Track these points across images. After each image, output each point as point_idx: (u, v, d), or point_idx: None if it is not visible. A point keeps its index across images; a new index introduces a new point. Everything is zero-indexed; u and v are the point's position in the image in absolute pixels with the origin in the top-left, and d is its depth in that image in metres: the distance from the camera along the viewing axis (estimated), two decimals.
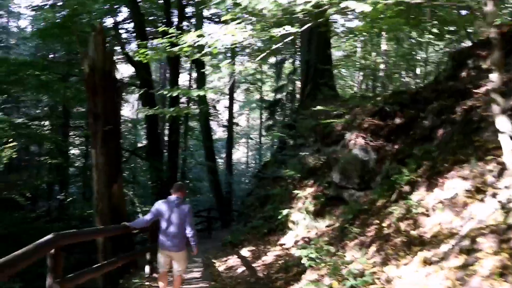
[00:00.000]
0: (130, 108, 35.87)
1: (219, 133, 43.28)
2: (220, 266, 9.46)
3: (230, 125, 31.01)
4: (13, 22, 36.41)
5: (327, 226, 9.02)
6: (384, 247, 5.34)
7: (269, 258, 8.94)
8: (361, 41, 22.23)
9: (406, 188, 6.74)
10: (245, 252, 10.25)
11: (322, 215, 9.29)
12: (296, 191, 10.21)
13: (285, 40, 5.70)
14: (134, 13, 15.66)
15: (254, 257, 9.50)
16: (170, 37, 4.91)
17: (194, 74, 28.84)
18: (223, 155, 40.54)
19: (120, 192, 10.13)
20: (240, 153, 52.23)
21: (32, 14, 24.96)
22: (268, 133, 34.26)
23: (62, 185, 23.57)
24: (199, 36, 4.66)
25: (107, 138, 9.72)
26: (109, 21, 19.62)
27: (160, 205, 5.82)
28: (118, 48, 18.69)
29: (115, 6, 18.24)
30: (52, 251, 3.57)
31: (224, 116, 35.73)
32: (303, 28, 5.53)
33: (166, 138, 21.57)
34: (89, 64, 9.55)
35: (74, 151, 28.86)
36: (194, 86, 25.72)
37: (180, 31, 5.08)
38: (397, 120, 8.84)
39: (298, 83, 24.47)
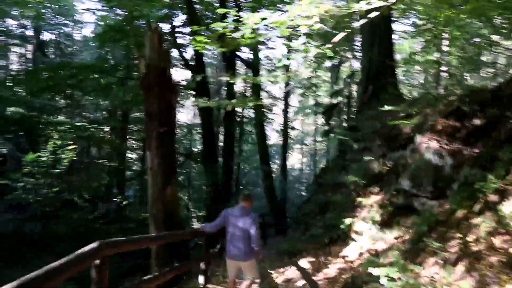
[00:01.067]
0: (186, 112, 36.21)
1: (273, 138, 42.85)
2: (278, 277, 8.87)
3: (285, 130, 30.45)
4: (77, 31, 37.87)
5: (395, 238, 8.20)
6: (477, 267, 4.53)
7: (331, 271, 8.24)
8: (424, 41, 21.07)
9: (493, 198, 5.87)
10: (304, 263, 9.59)
11: (389, 225, 8.47)
12: (360, 199, 9.45)
13: (359, 23, 5.02)
14: (191, 16, 15.50)
15: (314, 269, 8.83)
16: (232, 20, 4.39)
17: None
18: (277, 161, 40.11)
19: (174, 196, 9.82)
20: (293, 159, 51.54)
21: (94, 20, 25.78)
22: (325, 138, 33.46)
23: (119, 187, 23.98)
24: (263, 19, 4.13)
25: (162, 139, 9.44)
26: (166, 27, 19.74)
27: (228, 212, 5.92)
28: (175, 55, 18.75)
29: (172, 11, 18.32)
30: (97, 261, 3.10)
31: (279, 121, 35.29)
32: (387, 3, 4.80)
33: (220, 144, 21.42)
34: (145, 63, 9.35)
35: (131, 155, 29.46)
36: (249, 90, 25.33)
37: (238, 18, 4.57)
38: (477, 121, 7.91)
39: (355, 87, 23.61)
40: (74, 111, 22.12)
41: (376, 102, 13.14)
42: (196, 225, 21.55)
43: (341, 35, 5.16)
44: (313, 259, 9.55)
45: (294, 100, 44.03)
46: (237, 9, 4.69)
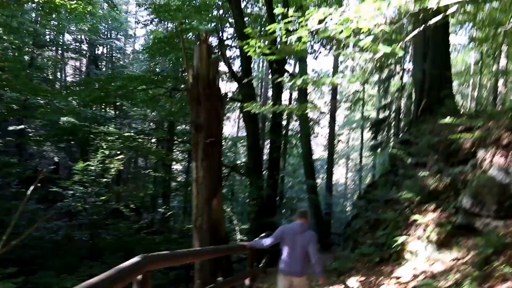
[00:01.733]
0: (231, 125, 36.36)
1: (318, 153, 42.21)
2: None
3: (331, 143, 29.86)
4: (128, 45, 39.07)
5: (454, 260, 7.62)
6: None
7: None
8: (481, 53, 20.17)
9: None
10: (353, 282, 9.12)
11: (447, 245, 7.89)
12: (415, 216, 8.89)
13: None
14: (239, 29, 15.47)
15: None
16: (286, 23, 4.16)
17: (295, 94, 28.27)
18: (322, 175, 39.41)
19: (219, 208, 9.60)
20: (338, 174, 50.55)
21: (144, 34, 26.40)
22: (372, 153, 32.58)
23: (164, 198, 24.19)
24: (321, 20, 3.84)
25: (208, 150, 9.28)
26: (214, 40, 19.88)
27: (284, 230, 5.90)
28: (223, 67, 18.81)
29: (221, 25, 18.45)
30: (139, 277, 2.88)
31: (324, 135, 34.79)
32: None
33: (265, 157, 21.23)
34: (193, 73, 9.27)
35: (177, 166, 29.77)
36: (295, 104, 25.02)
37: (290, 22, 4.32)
38: None
39: (404, 102, 22.83)
40: (122, 121, 22.60)
41: (430, 116, 12.54)
42: (239, 238, 21.35)
43: (415, 31, 4.81)
44: (363, 279, 9.06)
45: (341, 115, 43.35)
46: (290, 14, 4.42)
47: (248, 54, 5.26)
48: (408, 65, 22.71)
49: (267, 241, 6.15)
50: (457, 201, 8.16)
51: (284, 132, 17.87)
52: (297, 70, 25.04)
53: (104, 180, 18.35)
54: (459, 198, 8.02)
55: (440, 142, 9.63)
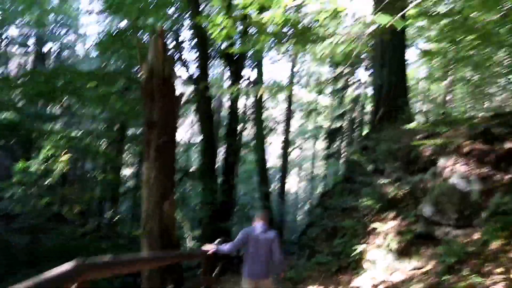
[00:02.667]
0: (186, 130, 35.56)
1: (271, 162, 42.04)
2: None
3: (285, 151, 29.79)
4: (79, 42, 37.48)
5: (413, 269, 7.44)
6: None
7: None
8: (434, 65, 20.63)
9: None
10: None
11: (407, 254, 7.71)
12: (374, 225, 8.69)
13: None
14: (196, 31, 14.92)
15: None
16: None
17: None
18: (274, 184, 39.27)
19: (172, 212, 8.99)
20: (289, 184, 50.56)
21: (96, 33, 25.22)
22: (325, 162, 32.80)
23: (113, 202, 23.07)
24: None
25: (161, 149, 8.68)
26: (170, 41, 19.19)
27: (247, 232, 5.82)
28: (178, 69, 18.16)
29: (177, 25, 17.85)
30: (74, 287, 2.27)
31: (277, 145, 34.76)
32: None
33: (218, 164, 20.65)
34: (148, 68, 8.68)
35: (126, 171, 28.62)
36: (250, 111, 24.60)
37: None
38: (508, 145, 7.24)
39: (357, 112, 23.09)
40: (70, 121, 21.35)
41: (388, 123, 12.53)
42: (189, 245, 20.62)
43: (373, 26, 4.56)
44: None
45: (294, 125, 43.49)
46: None
47: (212, 36, 4.81)
48: (363, 76, 23.00)
49: (229, 246, 5.96)
50: (417, 209, 8.02)
51: (238, 138, 17.39)
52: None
53: (47, 181, 17.16)
54: (419, 206, 7.88)
55: (400, 149, 9.54)
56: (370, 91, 26.33)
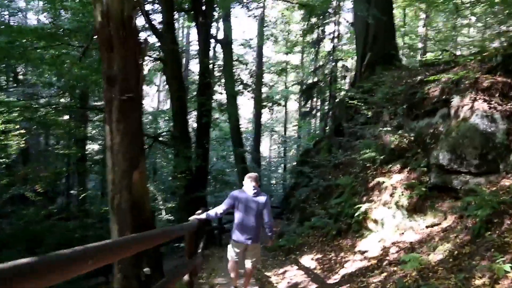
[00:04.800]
0: (152, 95, 33.69)
1: (242, 126, 40.72)
2: (279, 282, 6.96)
3: (257, 112, 28.51)
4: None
5: (429, 226, 6.45)
6: None
7: (350, 271, 6.38)
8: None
9: None
10: (308, 261, 7.74)
11: (421, 211, 6.69)
12: (378, 179, 7.60)
13: None
14: None
15: (325, 269, 6.97)
16: None
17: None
18: (247, 149, 38.10)
19: (142, 182, 7.62)
20: (262, 148, 49.42)
21: None
22: (302, 121, 31.74)
23: (80, 179, 21.43)
24: None
25: (125, 109, 7.22)
26: None
27: (237, 195, 5.51)
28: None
29: None
30: None
31: (248, 109, 33.48)
32: None
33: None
34: (102, 9, 7.09)
35: (93, 145, 26.76)
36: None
37: None
38: None
39: (339, 64, 21.90)
40: (24, 90, 19.21)
41: (379, 69, 11.39)
42: (166, 217, 19.37)
43: None
44: (320, 256, 7.70)
45: (264, 88, 41.97)
46: None
47: None
48: (339, 27, 21.69)
49: (219, 210, 5.59)
50: (428, 157, 6.95)
51: (211, 97, 15.89)
52: (221, 35, 23.06)
53: (2, 160, 15.47)
54: (432, 154, 6.80)
55: (398, 93, 8.40)
56: (348, 39, 25.19)
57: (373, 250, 6.79)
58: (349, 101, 9.17)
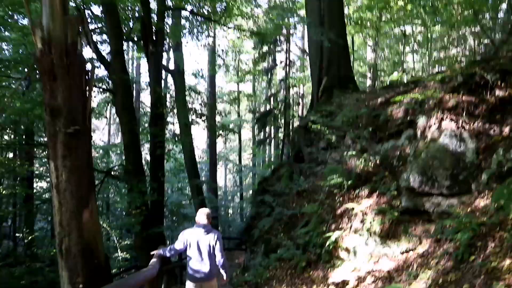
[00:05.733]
0: (102, 128, 32.51)
1: (198, 156, 39.90)
2: None
3: (212, 143, 27.99)
4: None
5: (403, 252, 6.15)
6: None
7: None
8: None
9: None
10: None
11: (395, 236, 6.41)
12: (348, 205, 7.29)
13: None
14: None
15: None
16: None
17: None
18: (202, 179, 37.20)
19: (94, 222, 6.91)
20: (217, 178, 48.63)
21: None
22: (257, 150, 31.44)
23: (27, 221, 19.88)
24: None
25: (72, 143, 6.54)
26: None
27: (188, 234, 5.50)
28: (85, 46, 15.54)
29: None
30: None
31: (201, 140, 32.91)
32: None
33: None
34: (42, 36, 6.49)
35: (40, 183, 25.15)
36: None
37: None
38: (499, 93, 6.14)
39: (293, 91, 21.94)
40: None
41: (338, 93, 11.28)
42: (121, 256, 18.25)
43: None
44: None
45: (217, 117, 41.56)
46: None
47: None
48: (292, 56, 21.83)
49: (175, 247, 5.62)
50: (397, 181, 6.73)
51: (164, 128, 15.20)
52: (172, 66, 22.60)
53: None
54: (401, 177, 6.58)
55: (361, 116, 8.22)
56: (300, 67, 25.36)
57: (347, 281, 6.40)
58: (312, 126, 8.88)
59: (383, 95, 8.42)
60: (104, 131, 37.18)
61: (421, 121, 6.63)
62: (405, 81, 8.90)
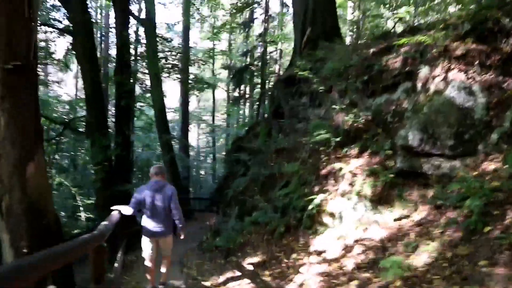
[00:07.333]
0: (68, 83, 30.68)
1: (168, 115, 38.45)
2: None
3: (185, 100, 26.73)
4: None
5: (397, 219, 5.44)
6: None
7: (308, 277, 5.20)
8: None
9: None
10: (253, 264, 6.48)
11: (387, 201, 5.68)
12: (333, 165, 6.49)
13: None
14: None
15: (275, 275, 5.74)
16: None
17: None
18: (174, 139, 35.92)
19: (41, 178, 5.93)
20: (189, 138, 47.34)
21: None
22: (231, 109, 30.39)
23: None
24: None
25: (12, 82, 5.50)
26: None
27: (141, 191, 5.48)
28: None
29: None
30: None
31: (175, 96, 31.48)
32: None
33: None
34: None
35: None
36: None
37: None
38: None
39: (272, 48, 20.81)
40: None
41: (316, 48, 10.32)
42: (84, 216, 17.27)
43: None
44: (267, 258, 6.47)
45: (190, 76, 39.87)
46: None
47: None
48: (271, 12, 20.54)
49: (131, 205, 5.48)
50: (392, 139, 5.94)
51: (131, 76, 13.82)
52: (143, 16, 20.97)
53: None
54: (398, 134, 5.79)
55: (350, 67, 7.33)
56: (279, 23, 24.10)
57: (332, 249, 5.68)
58: (298, 73, 7.95)
59: (375, 45, 7.52)
60: (70, 84, 35.36)
61: (423, 71, 5.79)
62: (399, 32, 7.98)
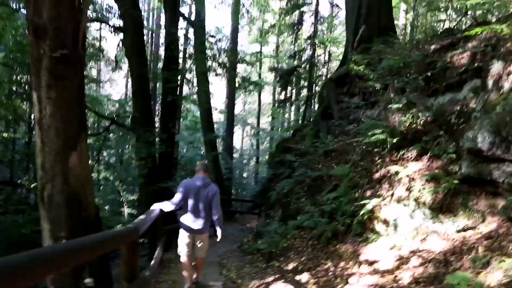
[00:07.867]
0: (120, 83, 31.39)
1: (215, 117, 38.59)
2: None
3: (230, 102, 26.59)
4: None
5: (460, 231, 4.88)
6: None
7: None
8: None
9: None
10: (296, 270, 6.07)
11: (450, 210, 5.12)
12: (389, 168, 5.98)
13: None
14: None
15: (321, 284, 5.30)
16: None
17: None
18: (219, 141, 35.94)
19: (83, 168, 5.76)
20: (234, 140, 47.33)
21: None
22: (278, 110, 30.01)
23: (27, 165, 19.00)
24: None
25: (59, 71, 5.34)
26: None
27: (188, 185, 5.43)
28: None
29: None
30: None
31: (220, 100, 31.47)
32: None
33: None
34: None
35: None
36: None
37: None
38: None
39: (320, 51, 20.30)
40: None
41: (370, 47, 9.78)
42: (127, 212, 17.42)
43: None
44: (312, 265, 6.03)
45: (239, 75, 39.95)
46: None
47: None
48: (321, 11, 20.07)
49: (174, 200, 5.46)
50: (457, 141, 5.37)
51: (179, 72, 13.70)
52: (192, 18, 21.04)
53: None
54: (464, 136, 5.22)
55: (410, 64, 6.79)
56: (329, 25, 23.57)
57: (385, 260, 5.19)
58: (354, 68, 7.47)
59: (437, 42, 6.95)
60: (121, 84, 36.01)
61: (496, 67, 5.20)
62: (465, 28, 7.36)
